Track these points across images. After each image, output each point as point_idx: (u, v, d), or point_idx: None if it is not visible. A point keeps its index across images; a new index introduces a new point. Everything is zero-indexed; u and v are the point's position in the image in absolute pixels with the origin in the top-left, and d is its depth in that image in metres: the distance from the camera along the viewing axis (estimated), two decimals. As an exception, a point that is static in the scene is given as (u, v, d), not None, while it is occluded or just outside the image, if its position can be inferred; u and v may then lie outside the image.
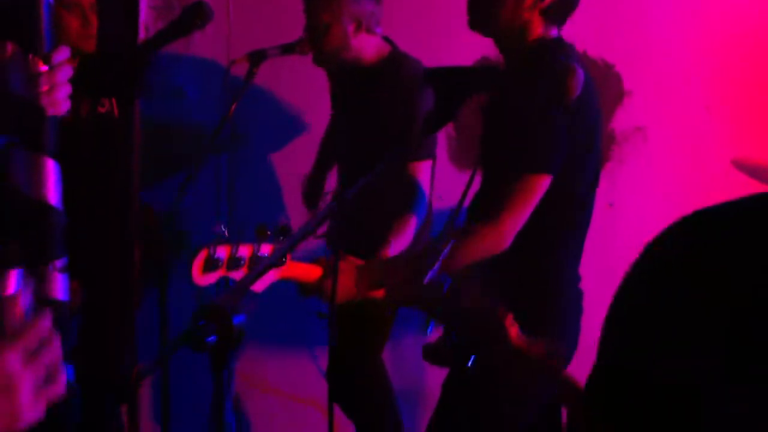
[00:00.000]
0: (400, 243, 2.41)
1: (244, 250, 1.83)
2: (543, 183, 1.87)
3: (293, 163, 3.35)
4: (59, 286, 1.35)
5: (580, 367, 2.17)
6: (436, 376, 2.23)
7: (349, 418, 2.83)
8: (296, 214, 3.30)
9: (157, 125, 3.17)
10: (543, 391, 2.04)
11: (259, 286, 1.82)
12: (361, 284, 1.94)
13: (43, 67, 1.33)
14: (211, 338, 1.32)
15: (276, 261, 1.40)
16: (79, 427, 2.30)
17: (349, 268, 1.92)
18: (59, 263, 1.35)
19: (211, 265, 1.79)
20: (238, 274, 1.82)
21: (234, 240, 1.81)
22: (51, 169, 1.33)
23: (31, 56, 1.32)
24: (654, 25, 3.31)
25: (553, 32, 1.96)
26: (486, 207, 1.93)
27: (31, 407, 0.93)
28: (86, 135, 2.66)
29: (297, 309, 2.55)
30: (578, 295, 2.05)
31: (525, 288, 1.97)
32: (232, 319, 1.32)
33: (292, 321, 3.33)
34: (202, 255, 1.79)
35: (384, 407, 2.84)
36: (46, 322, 0.97)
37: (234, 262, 1.82)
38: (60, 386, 0.97)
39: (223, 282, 1.85)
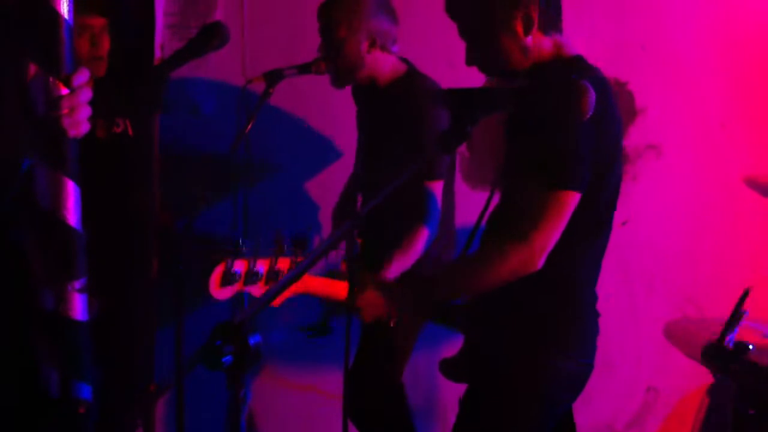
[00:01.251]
0: (408, 254, 2.40)
1: (262, 265, 1.84)
2: (573, 200, 1.83)
3: (318, 180, 3.38)
4: (78, 306, 1.37)
5: (597, 386, 2.17)
6: (449, 393, 2.22)
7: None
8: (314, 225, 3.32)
9: (173, 142, 3.20)
10: (561, 404, 2.03)
11: (276, 301, 1.84)
12: (389, 303, 1.94)
13: (64, 90, 1.35)
14: (228, 358, 1.33)
15: (294, 279, 1.41)
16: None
17: (376, 286, 1.92)
18: (78, 284, 1.37)
19: (228, 278, 1.81)
20: (255, 289, 1.84)
21: (251, 254, 1.83)
22: (72, 190, 1.35)
23: (52, 78, 1.34)
24: (666, 42, 3.32)
25: (567, 46, 1.98)
26: (514, 225, 1.87)
27: None
28: (103, 155, 2.69)
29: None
30: (595, 316, 2.04)
31: (544, 307, 1.96)
32: (248, 339, 1.33)
33: (304, 341, 3.35)
34: (220, 269, 1.81)
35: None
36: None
37: (252, 276, 1.83)
38: None
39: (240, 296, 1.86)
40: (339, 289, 1.99)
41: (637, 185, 3.36)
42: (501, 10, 1.92)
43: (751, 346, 1.94)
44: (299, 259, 1.87)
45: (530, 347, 1.96)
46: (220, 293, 1.82)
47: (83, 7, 2.55)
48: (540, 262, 1.85)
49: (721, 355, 1.97)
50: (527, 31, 1.92)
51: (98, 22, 2.59)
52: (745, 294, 2.05)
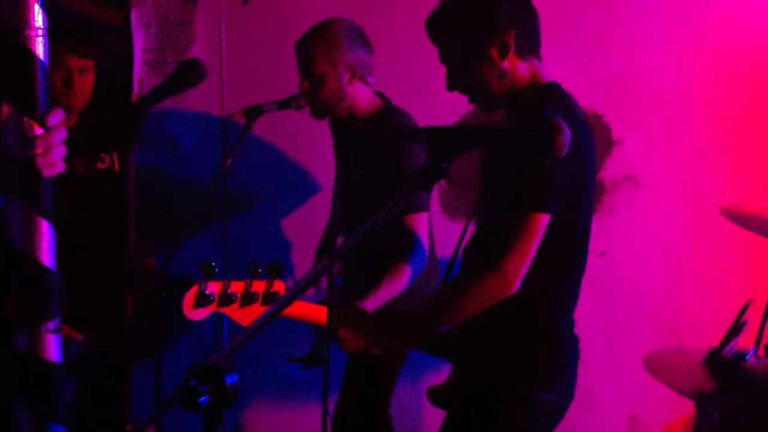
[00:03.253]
0: (387, 291, 2.40)
1: (236, 287, 1.85)
2: (542, 221, 1.85)
3: (295, 215, 3.38)
4: (52, 347, 1.35)
5: (579, 417, 2.17)
6: (434, 423, 2.21)
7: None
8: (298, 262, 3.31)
9: (151, 178, 3.19)
10: (543, 430, 2.03)
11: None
12: (372, 334, 1.94)
13: (39, 130, 1.34)
14: (204, 398, 1.31)
15: (273, 316, 1.41)
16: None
17: (359, 318, 1.93)
18: (51, 324, 1.35)
19: (202, 300, 1.81)
20: (230, 310, 1.84)
21: (225, 276, 1.83)
22: (46, 230, 1.34)
23: (26, 118, 1.34)
24: (642, 72, 3.36)
25: (544, 72, 2.00)
26: (486, 252, 1.91)
27: None
28: (85, 192, 2.68)
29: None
30: (575, 342, 2.05)
31: (523, 332, 1.96)
32: (225, 378, 1.31)
33: (291, 376, 3.32)
34: (193, 290, 1.82)
35: None
36: None
37: (226, 298, 1.84)
38: None
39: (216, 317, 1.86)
40: (320, 313, 2.00)
41: (614, 216, 3.38)
42: (477, 37, 1.96)
43: (748, 356, 1.96)
44: (275, 282, 1.88)
45: (509, 378, 1.97)
46: (194, 314, 1.84)
47: (67, 47, 2.57)
48: (515, 286, 1.87)
49: (720, 364, 1.99)
50: (503, 56, 1.96)
51: (79, 63, 2.62)
52: (746, 306, 2.09)
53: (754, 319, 2.15)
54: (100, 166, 2.74)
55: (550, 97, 1.96)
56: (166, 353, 2.45)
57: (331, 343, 1.92)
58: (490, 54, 1.95)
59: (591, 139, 2.00)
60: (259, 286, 1.87)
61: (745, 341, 2.82)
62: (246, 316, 1.88)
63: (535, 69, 2.00)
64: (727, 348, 2.01)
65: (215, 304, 1.83)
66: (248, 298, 1.86)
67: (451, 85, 2.01)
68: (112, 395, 2.34)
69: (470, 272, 1.93)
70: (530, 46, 1.99)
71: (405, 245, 2.52)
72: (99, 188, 2.71)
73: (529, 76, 1.99)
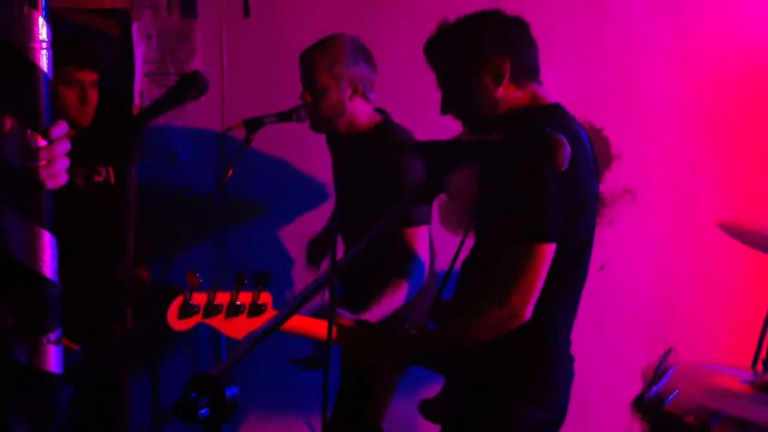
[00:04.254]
0: (385, 307, 2.39)
1: (222, 298, 1.84)
2: (549, 251, 1.85)
3: (294, 231, 3.38)
4: (52, 359, 1.35)
5: (573, 425, 2.17)
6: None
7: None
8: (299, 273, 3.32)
9: (151, 190, 3.20)
10: None
11: (239, 335, 1.84)
12: (381, 356, 1.94)
13: (42, 142, 1.35)
14: (204, 411, 1.31)
15: (272, 329, 1.41)
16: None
17: (366, 338, 1.93)
18: (53, 336, 1.36)
19: (187, 311, 1.80)
20: (216, 321, 1.83)
21: (211, 287, 1.82)
22: (48, 242, 1.35)
23: (29, 131, 1.35)
24: (638, 87, 3.38)
25: (545, 95, 2.01)
26: (493, 285, 1.88)
27: None
28: (83, 203, 2.68)
29: (292, 374, 2.54)
30: (569, 362, 2.05)
31: (518, 355, 1.96)
32: (224, 391, 1.32)
33: (287, 388, 3.32)
34: (178, 301, 1.80)
35: None
36: None
37: (211, 309, 1.82)
38: None
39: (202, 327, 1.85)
40: (318, 327, 1.99)
41: (613, 229, 3.39)
42: (471, 64, 1.96)
43: (669, 397, 1.99)
44: (261, 294, 1.88)
45: (503, 394, 1.97)
46: (178, 324, 1.82)
47: (70, 59, 2.58)
48: (526, 315, 1.86)
49: (643, 406, 2.03)
50: (497, 84, 1.96)
51: (88, 77, 2.63)
52: (668, 352, 2.13)
53: (675, 367, 2.20)
54: (97, 178, 2.75)
55: (551, 117, 1.96)
56: (162, 365, 2.44)
57: (329, 354, 1.91)
58: (484, 82, 1.96)
59: (590, 160, 2.00)
60: (245, 298, 1.86)
61: (741, 359, 2.83)
62: (232, 327, 1.86)
63: (534, 93, 2.00)
64: (651, 392, 2.05)
65: (200, 314, 1.82)
66: (234, 310, 1.85)
67: (445, 110, 2.02)
68: (109, 406, 2.34)
69: (477, 303, 1.91)
70: (527, 74, 1.99)
71: (404, 260, 2.51)
72: (96, 200, 2.72)
73: (528, 99, 1.99)
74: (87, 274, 2.59)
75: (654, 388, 2.02)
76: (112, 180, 2.75)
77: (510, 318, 1.86)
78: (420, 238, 2.55)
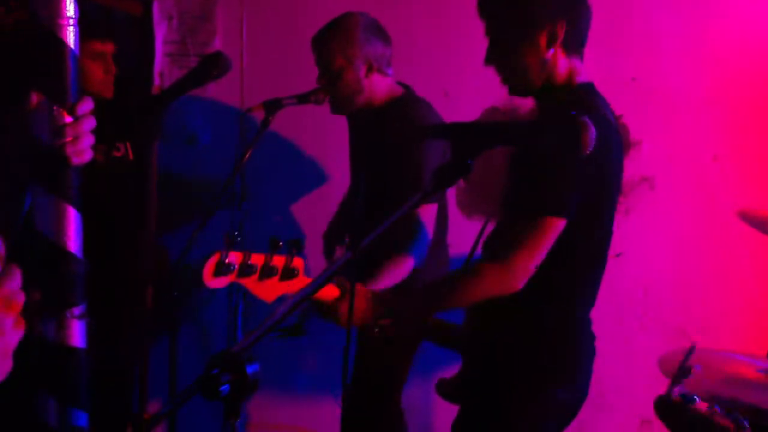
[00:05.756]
0: (389, 279, 2.40)
1: (257, 259, 1.85)
2: (556, 225, 1.86)
3: (310, 210, 3.39)
4: (77, 333, 1.37)
5: (592, 420, 2.17)
6: (445, 418, 2.22)
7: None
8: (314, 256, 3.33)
9: (171, 170, 3.21)
10: (554, 427, 2.04)
11: (270, 297, 1.85)
12: (374, 310, 1.94)
13: (68, 118, 1.36)
14: (225, 387, 1.32)
15: (295, 306, 1.41)
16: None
17: (363, 292, 1.93)
18: (77, 310, 1.37)
19: (222, 269, 1.80)
20: (249, 281, 1.84)
21: (247, 247, 1.83)
22: (73, 217, 1.36)
23: (56, 107, 1.36)
24: (659, 76, 3.36)
25: (580, 73, 1.99)
26: (496, 247, 1.92)
27: (8, 350, 0.97)
28: (102, 178, 2.71)
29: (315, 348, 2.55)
30: (591, 339, 2.06)
31: (541, 330, 1.97)
32: (246, 368, 1.32)
33: (299, 367, 3.34)
34: (214, 258, 1.80)
35: None
36: (17, 275, 1.00)
37: (246, 269, 1.83)
38: (17, 337, 1.00)
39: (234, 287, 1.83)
40: (326, 290, 2.00)
41: (630, 218, 3.38)
42: (529, 20, 1.94)
43: (696, 398, 1.97)
44: (295, 258, 1.88)
45: (525, 374, 1.97)
46: (214, 282, 1.82)
47: (94, 33, 2.61)
48: (520, 284, 1.87)
49: (669, 407, 2.01)
50: (550, 45, 1.94)
51: (109, 47, 2.66)
52: (692, 349, 2.11)
53: (700, 365, 2.18)
54: (116, 154, 2.78)
55: (580, 96, 1.95)
56: (179, 343, 2.46)
57: (350, 324, 1.90)
58: (537, 40, 1.94)
59: (619, 143, 2.00)
60: (279, 261, 1.86)
61: (758, 349, 2.82)
62: (264, 289, 1.87)
63: (573, 67, 1.99)
64: (675, 391, 2.03)
65: (235, 273, 1.83)
66: (267, 272, 1.85)
67: (490, 60, 1.98)
68: (127, 384, 2.36)
69: (479, 262, 1.94)
70: (577, 42, 1.97)
71: (409, 234, 2.52)
72: (114, 176, 2.74)
73: (566, 73, 1.98)
74: (104, 249, 2.61)
75: (678, 388, 2.01)
76: (131, 156, 2.77)
77: (506, 280, 1.87)
78: (429, 216, 2.57)
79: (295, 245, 1.86)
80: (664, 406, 1.99)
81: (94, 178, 2.67)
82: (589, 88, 1.99)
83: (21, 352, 1.04)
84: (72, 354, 1.36)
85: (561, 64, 1.97)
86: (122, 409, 2.54)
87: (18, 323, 0.99)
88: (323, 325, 2.02)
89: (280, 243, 1.83)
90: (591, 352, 2.04)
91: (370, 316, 1.94)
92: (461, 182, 3.34)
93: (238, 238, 1.80)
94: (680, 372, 2.05)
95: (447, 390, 2.09)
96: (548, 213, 1.86)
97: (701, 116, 3.36)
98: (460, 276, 1.96)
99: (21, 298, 1.01)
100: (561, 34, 1.94)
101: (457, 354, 2.13)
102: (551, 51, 1.94)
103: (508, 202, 2.01)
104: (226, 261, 1.80)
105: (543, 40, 1.94)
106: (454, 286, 1.94)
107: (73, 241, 1.36)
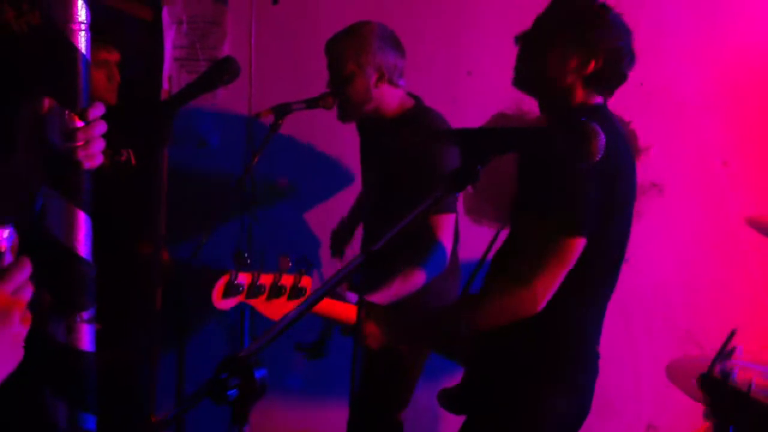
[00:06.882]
0: (394, 291, 2.38)
1: (265, 279, 1.86)
2: (578, 246, 1.86)
3: (321, 214, 3.39)
4: (86, 337, 1.37)
5: (598, 426, 2.17)
6: (449, 428, 2.22)
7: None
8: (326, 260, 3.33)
9: (180, 174, 3.22)
10: None
11: (277, 316, 1.86)
12: (398, 337, 1.95)
13: (80, 123, 1.37)
14: (233, 392, 1.32)
15: (304, 312, 1.42)
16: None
17: (383, 315, 1.94)
18: (87, 314, 1.37)
19: (231, 290, 1.81)
20: (257, 303, 1.85)
21: (256, 268, 1.83)
22: (83, 222, 1.37)
23: (68, 112, 1.37)
24: (668, 81, 3.35)
25: (597, 100, 2.01)
26: (518, 268, 1.91)
27: (19, 339, 0.98)
28: (106, 184, 2.72)
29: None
30: (595, 358, 2.05)
31: (547, 348, 1.97)
32: (254, 372, 1.33)
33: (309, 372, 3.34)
34: (224, 279, 1.82)
35: None
36: (27, 268, 1.01)
37: (255, 290, 1.84)
38: (26, 328, 1.01)
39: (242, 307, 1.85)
40: (342, 309, 2.00)
41: (639, 223, 3.36)
42: (577, 53, 1.97)
43: (734, 375, 2.01)
44: (303, 278, 1.89)
45: (530, 386, 1.97)
46: (222, 303, 1.83)
47: (101, 41, 2.62)
48: (540, 306, 1.87)
49: (711, 383, 2.05)
50: (577, 71, 1.96)
51: (115, 57, 2.67)
52: (732, 333, 2.13)
53: (742, 346, 2.20)
54: (119, 159, 2.79)
55: (591, 110, 1.96)
56: (188, 346, 2.46)
57: (359, 335, 1.92)
58: (573, 66, 1.97)
59: (633, 162, 2.00)
60: (287, 280, 1.88)
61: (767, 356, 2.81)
62: (272, 308, 1.88)
63: (591, 96, 2.01)
64: (717, 369, 2.07)
65: (244, 294, 1.84)
66: (276, 291, 1.86)
67: (520, 79, 2.01)
68: (136, 386, 2.36)
69: (500, 285, 1.93)
70: (605, 84, 2.00)
71: (425, 247, 2.51)
72: (117, 181, 2.75)
73: (582, 98, 2.00)
74: (110, 253, 2.62)
75: (719, 366, 2.04)
76: (133, 161, 2.78)
77: (529, 303, 1.87)
78: (446, 226, 2.55)
79: (303, 264, 1.86)
80: (707, 383, 2.02)
81: (99, 183, 2.69)
82: (603, 109, 2.00)
83: (29, 353, 1.05)
84: (81, 357, 1.36)
85: (579, 92, 1.99)
86: (130, 412, 2.54)
87: (24, 317, 1.00)
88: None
89: (290, 263, 1.84)
90: (595, 370, 2.04)
91: (393, 340, 1.95)
92: (469, 188, 3.35)
93: (248, 260, 1.80)
94: (722, 352, 2.08)
95: (449, 400, 2.09)
96: (570, 234, 1.85)
97: (710, 122, 3.35)
98: (480, 299, 1.96)
99: (29, 291, 1.02)
100: (591, 69, 1.97)
101: (460, 364, 2.13)
102: (578, 84, 1.98)
103: (520, 214, 2.00)
104: (236, 282, 1.81)
105: (576, 66, 1.97)
106: (476, 310, 1.94)
107: (83, 244, 1.37)
